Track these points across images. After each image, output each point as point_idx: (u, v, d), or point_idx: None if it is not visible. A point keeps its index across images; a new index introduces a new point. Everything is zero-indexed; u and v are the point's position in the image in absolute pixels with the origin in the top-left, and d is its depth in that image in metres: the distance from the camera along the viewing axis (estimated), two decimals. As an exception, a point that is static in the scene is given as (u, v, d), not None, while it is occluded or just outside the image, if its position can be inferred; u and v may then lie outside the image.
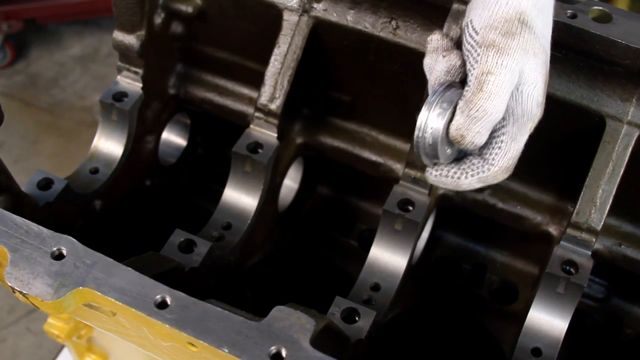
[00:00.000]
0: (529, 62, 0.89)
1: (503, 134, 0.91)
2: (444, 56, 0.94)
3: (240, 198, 1.27)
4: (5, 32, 3.88)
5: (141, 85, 1.30)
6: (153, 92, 1.34)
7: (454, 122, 0.89)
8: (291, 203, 1.50)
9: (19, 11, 3.87)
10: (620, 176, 1.11)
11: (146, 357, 1.17)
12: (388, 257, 1.20)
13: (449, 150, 0.93)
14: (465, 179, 0.93)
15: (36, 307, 0.86)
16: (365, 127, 1.35)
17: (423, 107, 0.90)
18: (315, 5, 1.23)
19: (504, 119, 0.91)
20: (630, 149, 1.11)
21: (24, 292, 0.83)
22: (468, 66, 0.90)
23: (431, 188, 1.21)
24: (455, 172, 0.94)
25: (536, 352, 1.12)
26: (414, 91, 1.18)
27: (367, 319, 1.02)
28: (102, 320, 0.95)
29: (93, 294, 0.82)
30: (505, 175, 0.94)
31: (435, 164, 0.95)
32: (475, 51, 0.89)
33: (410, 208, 1.19)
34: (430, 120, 0.90)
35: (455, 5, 1.10)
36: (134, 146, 1.32)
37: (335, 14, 1.22)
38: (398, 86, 1.26)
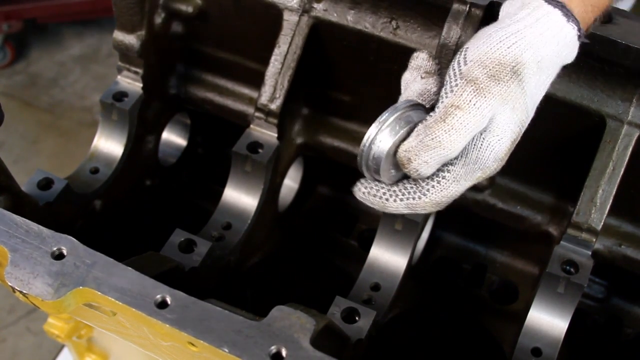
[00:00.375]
0: (504, 113, 0.85)
1: (448, 171, 0.87)
2: (422, 77, 0.92)
3: (240, 198, 1.27)
4: (5, 32, 3.88)
5: (141, 85, 1.30)
6: (153, 92, 1.34)
7: (405, 142, 0.86)
8: (291, 203, 1.50)
9: (19, 11, 3.87)
10: (620, 176, 1.11)
11: (146, 357, 1.17)
12: (388, 257, 1.20)
13: (392, 172, 0.89)
14: (394, 202, 0.88)
15: (36, 307, 0.86)
16: (365, 127, 1.34)
17: (377, 119, 0.87)
18: (315, 5, 1.23)
19: (456, 157, 0.87)
20: (630, 149, 1.11)
21: (24, 291, 0.83)
22: (442, 92, 0.86)
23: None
24: (384, 193, 0.89)
25: (536, 352, 1.12)
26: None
27: (367, 319, 1.02)
28: (102, 320, 0.95)
29: (93, 294, 0.82)
30: (435, 209, 0.90)
31: (373, 180, 0.90)
32: (455, 80, 0.85)
33: (410, 208, 1.19)
34: (380, 134, 0.87)
35: (456, 5, 1.10)
36: (134, 146, 1.32)
37: (335, 14, 1.22)
38: (398, 86, 1.25)
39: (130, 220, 1.38)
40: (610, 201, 1.12)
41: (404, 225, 1.19)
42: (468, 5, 1.10)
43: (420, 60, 0.93)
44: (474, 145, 0.86)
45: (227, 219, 1.26)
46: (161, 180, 1.48)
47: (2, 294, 2.96)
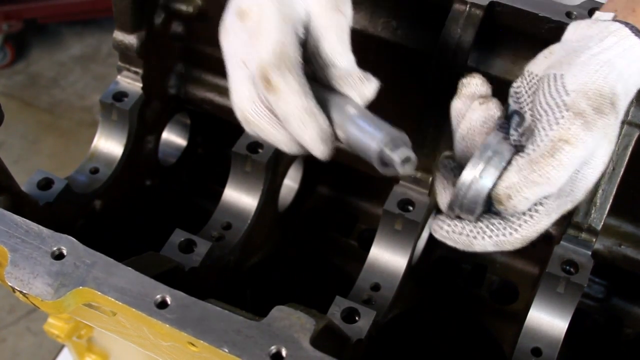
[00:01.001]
0: (602, 146, 0.81)
1: (542, 204, 0.82)
2: (480, 103, 0.85)
3: (240, 198, 1.27)
4: (5, 32, 3.89)
5: (141, 85, 1.30)
6: (153, 92, 1.34)
7: (505, 179, 0.80)
8: (291, 203, 1.50)
9: (19, 11, 3.88)
10: (620, 176, 1.11)
11: (146, 357, 1.17)
12: (388, 257, 1.20)
13: (481, 208, 0.83)
14: (482, 239, 0.83)
15: (36, 307, 0.86)
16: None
17: (472, 160, 0.81)
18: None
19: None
20: (630, 149, 1.11)
21: (24, 291, 0.83)
22: (542, 122, 0.80)
23: (431, 188, 1.21)
24: (471, 231, 0.83)
25: (536, 352, 1.12)
26: (414, 92, 1.18)
27: (367, 319, 1.02)
28: (102, 320, 0.95)
29: (93, 294, 0.82)
30: (522, 246, 0.84)
31: (456, 217, 0.84)
32: (560, 112, 0.79)
33: (411, 208, 1.19)
34: (484, 173, 0.81)
35: (456, 5, 1.10)
36: (134, 146, 1.32)
37: (335, 14, 1.22)
38: (398, 86, 1.25)
39: (130, 220, 1.38)
40: (610, 201, 1.12)
41: (404, 225, 1.19)
42: (468, 5, 1.10)
43: (474, 87, 0.86)
44: (570, 177, 0.81)
45: (227, 219, 1.26)
46: (161, 180, 1.48)
47: (2, 294, 2.96)
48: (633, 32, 0.84)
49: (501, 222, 0.83)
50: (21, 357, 2.88)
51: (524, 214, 0.82)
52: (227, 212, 1.27)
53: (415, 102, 1.18)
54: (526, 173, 0.79)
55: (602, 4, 1.01)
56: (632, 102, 0.87)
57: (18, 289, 0.83)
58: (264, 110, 0.83)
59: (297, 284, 1.47)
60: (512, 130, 0.85)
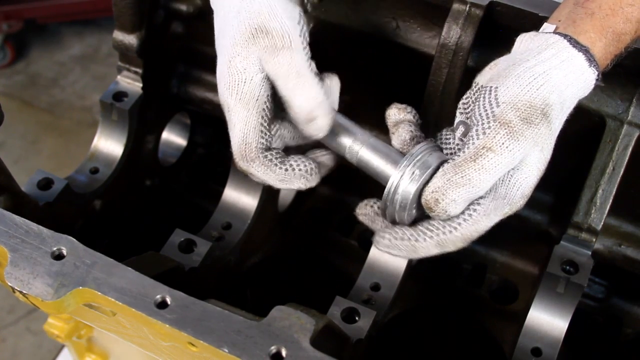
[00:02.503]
0: (533, 154, 0.86)
1: (479, 204, 0.86)
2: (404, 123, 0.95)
3: (240, 198, 1.27)
4: (5, 32, 3.89)
5: (141, 85, 1.30)
6: (153, 92, 1.34)
7: (431, 184, 0.85)
8: (291, 203, 1.50)
9: (19, 11, 3.88)
10: (620, 176, 1.11)
11: (146, 357, 1.17)
12: (388, 257, 1.19)
13: (413, 212, 0.89)
14: (424, 241, 0.86)
15: (36, 307, 0.86)
16: (365, 127, 1.35)
17: (398, 166, 0.89)
18: (315, 5, 1.22)
19: (485, 193, 0.86)
20: (630, 149, 1.11)
21: (24, 292, 0.83)
22: (472, 132, 0.85)
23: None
24: (412, 235, 0.87)
25: (536, 352, 1.12)
26: (414, 91, 1.18)
27: (367, 319, 1.02)
28: (102, 320, 0.95)
29: (93, 294, 0.82)
30: (463, 245, 0.88)
31: (392, 225, 0.90)
32: (488, 122, 0.84)
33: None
34: (403, 180, 0.88)
35: (455, 5, 1.10)
36: (134, 146, 1.32)
37: (335, 14, 1.22)
38: (398, 86, 1.26)
39: (130, 220, 1.38)
40: (610, 201, 1.12)
41: (404, 225, 1.18)
42: (468, 5, 1.10)
43: (393, 117, 0.96)
44: (503, 181, 0.86)
45: (227, 219, 1.26)
46: (161, 180, 1.48)
47: (2, 294, 2.96)
48: (571, 44, 0.87)
49: (442, 222, 0.87)
50: (21, 357, 2.88)
51: (463, 212, 0.86)
52: (227, 212, 1.27)
53: (415, 101, 1.17)
54: (449, 176, 0.84)
55: None
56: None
57: (18, 289, 0.83)
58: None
59: (297, 284, 1.47)
60: (457, 140, 0.91)
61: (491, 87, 0.86)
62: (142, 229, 1.37)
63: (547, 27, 0.92)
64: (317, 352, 0.77)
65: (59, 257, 0.85)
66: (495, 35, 1.14)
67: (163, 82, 1.39)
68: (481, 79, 0.91)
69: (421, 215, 0.90)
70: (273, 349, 0.77)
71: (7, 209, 0.90)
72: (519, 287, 1.41)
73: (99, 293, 0.82)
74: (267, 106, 0.91)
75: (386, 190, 0.89)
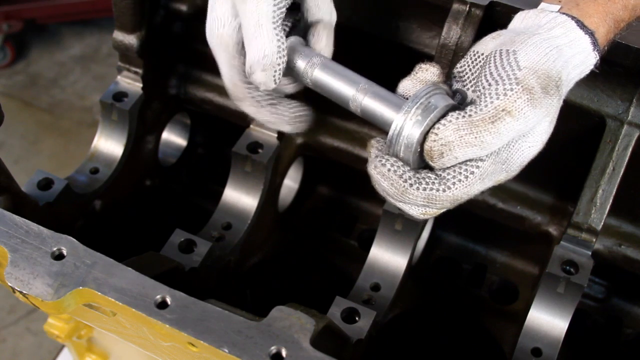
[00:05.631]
0: (542, 125, 0.84)
1: (477, 167, 0.83)
2: (424, 70, 0.90)
3: (240, 198, 1.27)
4: (5, 32, 3.89)
5: (141, 85, 1.30)
6: (153, 92, 1.34)
7: (441, 134, 0.81)
8: (291, 203, 1.50)
9: (19, 11, 3.88)
10: (620, 176, 1.11)
11: (146, 357, 1.17)
12: (388, 257, 1.20)
13: (417, 160, 0.84)
14: (416, 190, 0.82)
15: (36, 307, 0.86)
16: (366, 127, 1.35)
17: (402, 108, 0.84)
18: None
19: (486, 155, 0.83)
20: (630, 149, 1.11)
21: (24, 292, 0.83)
22: (490, 89, 0.82)
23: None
24: (410, 177, 0.82)
25: (536, 352, 1.12)
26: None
27: (367, 319, 1.02)
28: (102, 320, 0.95)
29: (93, 294, 0.82)
30: (451, 206, 0.85)
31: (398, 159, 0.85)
32: (510, 84, 0.81)
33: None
34: (406, 126, 0.82)
35: (455, 5, 1.10)
36: (134, 146, 1.32)
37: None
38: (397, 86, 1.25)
39: (130, 220, 1.38)
40: (610, 201, 1.12)
41: (404, 225, 1.19)
42: (468, 5, 1.10)
43: (429, 74, 0.89)
44: (507, 145, 0.84)
45: (227, 219, 1.26)
46: (161, 180, 1.48)
47: (2, 294, 2.96)
48: (578, 26, 0.87)
49: (437, 177, 0.83)
50: (21, 357, 2.88)
51: (458, 173, 0.83)
52: (227, 212, 1.27)
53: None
54: (463, 133, 0.80)
55: None
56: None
57: (18, 289, 0.83)
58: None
59: (297, 283, 1.47)
60: (473, 77, 0.87)
61: (507, 50, 0.84)
62: (142, 229, 1.37)
63: (547, 6, 0.90)
64: (317, 352, 0.77)
65: (59, 257, 0.85)
66: (495, 35, 1.14)
67: (163, 82, 1.39)
68: (481, 47, 0.88)
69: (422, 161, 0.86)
70: (273, 349, 0.77)
71: (7, 209, 0.90)
72: (519, 287, 1.41)
73: (99, 293, 0.82)
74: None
75: (391, 128, 0.84)
